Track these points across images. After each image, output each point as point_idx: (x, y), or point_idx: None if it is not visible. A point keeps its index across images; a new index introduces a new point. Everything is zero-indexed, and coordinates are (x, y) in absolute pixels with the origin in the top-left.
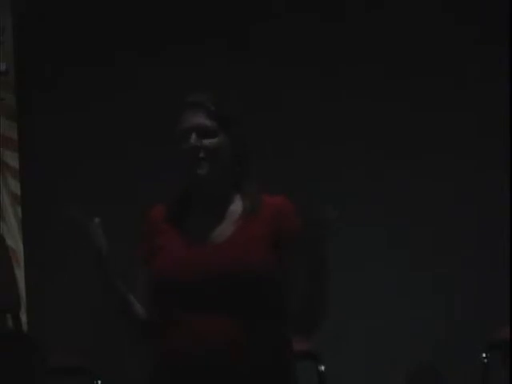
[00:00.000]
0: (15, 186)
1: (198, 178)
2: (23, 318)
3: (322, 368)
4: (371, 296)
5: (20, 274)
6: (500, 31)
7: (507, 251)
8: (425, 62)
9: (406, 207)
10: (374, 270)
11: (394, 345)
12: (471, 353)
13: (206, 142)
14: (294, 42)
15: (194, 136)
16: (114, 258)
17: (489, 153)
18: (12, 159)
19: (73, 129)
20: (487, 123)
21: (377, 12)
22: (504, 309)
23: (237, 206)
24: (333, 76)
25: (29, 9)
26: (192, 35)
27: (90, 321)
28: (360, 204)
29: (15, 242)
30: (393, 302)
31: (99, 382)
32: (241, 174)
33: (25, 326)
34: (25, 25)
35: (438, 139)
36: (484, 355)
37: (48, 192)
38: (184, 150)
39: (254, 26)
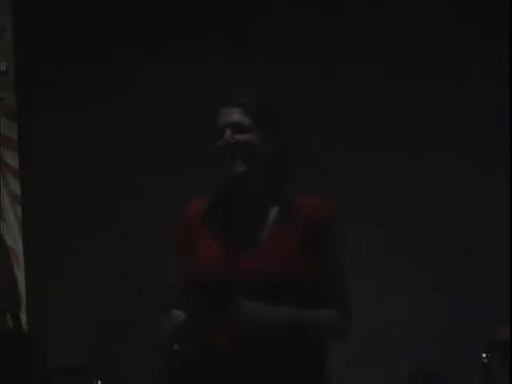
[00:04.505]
0: (15, 186)
1: (234, 175)
2: (23, 318)
3: None
4: (371, 296)
5: (20, 274)
6: (500, 31)
7: (507, 251)
8: (425, 62)
9: (406, 207)
10: (374, 270)
11: (394, 345)
12: (471, 353)
13: (240, 137)
14: (294, 42)
15: (228, 132)
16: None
17: (489, 153)
18: (12, 159)
19: (73, 129)
20: (487, 123)
21: (377, 12)
22: (504, 309)
23: (273, 208)
24: (333, 76)
25: (29, 9)
26: (192, 35)
27: (89, 321)
28: (360, 204)
29: (15, 242)
30: (393, 302)
31: (99, 382)
32: (279, 174)
33: (25, 326)
34: (25, 25)
35: (438, 139)
36: (484, 355)
37: (48, 192)
38: (218, 146)
39: (254, 26)
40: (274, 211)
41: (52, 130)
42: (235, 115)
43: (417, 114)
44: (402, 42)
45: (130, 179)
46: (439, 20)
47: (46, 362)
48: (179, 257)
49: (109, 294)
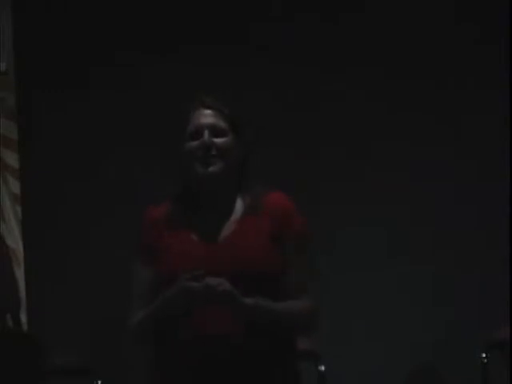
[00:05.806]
0: (15, 186)
1: (207, 175)
2: (23, 318)
3: (322, 368)
4: (371, 296)
5: (20, 274)
6: (500, 31)
7: (507, 251)
8: (425, 62)
9: (406, 207)
10: (374, 270)
11: (394, 345)
12: (471, 353)
13: (218, 140)
14: (295, 42)
15: (206, 134)
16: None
17: (489, 153)
18: (12, 159)
19: (73, 129)
20: (487, 123)
21: (377, 12)
22: (504, 309)
23: (239, 204)
24: (333, 76)
25: (29, 9)
26: (192, 35)
27: (90, 321)
28: (360, 204)
29: (15, 242)
30: (393, 302)
31: (99, 382)
32: (243, 173)
33: (25, 326)
34: (25, 25)
35: (437, 139)
36: (484, 355)
37: (48, 192)
38: (194, 147)
39: (253, 26)
40: (240, 207)
41: (52, 130)
42: (210, 118)
43: (416, 114)
44: (402, 42)
45: (130, 179)
46: (439, 20)
47: (47, 362)
48: (147, 259)
49: (109, 294)
